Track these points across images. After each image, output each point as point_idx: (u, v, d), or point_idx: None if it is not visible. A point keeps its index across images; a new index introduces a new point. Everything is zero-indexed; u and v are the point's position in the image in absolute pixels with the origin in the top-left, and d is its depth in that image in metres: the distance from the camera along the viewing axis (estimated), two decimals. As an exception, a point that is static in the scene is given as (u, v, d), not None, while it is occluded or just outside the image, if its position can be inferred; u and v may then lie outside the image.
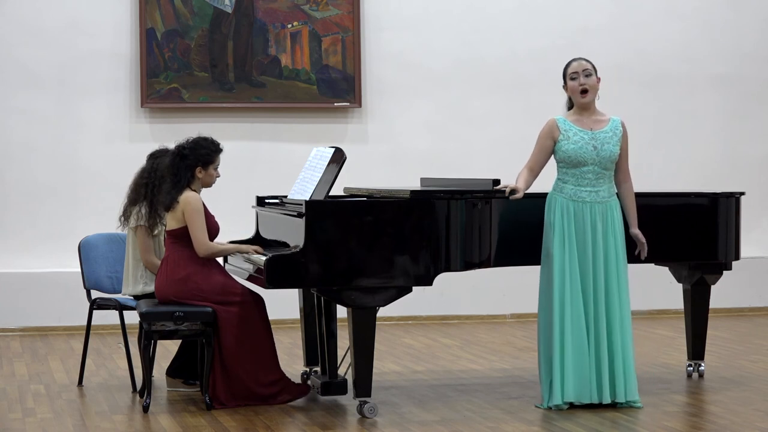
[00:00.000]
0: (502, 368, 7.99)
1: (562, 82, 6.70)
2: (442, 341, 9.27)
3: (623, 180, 6.75)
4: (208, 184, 6.87)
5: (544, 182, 6.78)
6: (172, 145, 7.48)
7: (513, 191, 6.54)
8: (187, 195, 6.74)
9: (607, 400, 6.53)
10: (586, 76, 6.62)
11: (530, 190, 6.69)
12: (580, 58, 6.70)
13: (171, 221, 6.79)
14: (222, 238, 7.16)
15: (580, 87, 6.61)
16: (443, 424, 6.30)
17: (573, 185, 6.60)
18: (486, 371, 7.92)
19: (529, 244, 6.75)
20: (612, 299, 6.58)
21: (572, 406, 6.52)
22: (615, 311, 6.58)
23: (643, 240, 6.81)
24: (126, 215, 7.25)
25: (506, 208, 6.66)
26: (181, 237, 6.75)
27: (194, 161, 6.78)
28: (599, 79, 6.67)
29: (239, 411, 6.57)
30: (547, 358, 6.57)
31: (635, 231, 6.79)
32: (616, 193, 6.72)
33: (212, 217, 6.88)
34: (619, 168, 6.71)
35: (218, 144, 6.86)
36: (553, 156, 6.67)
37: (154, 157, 7.30)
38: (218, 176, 6.89)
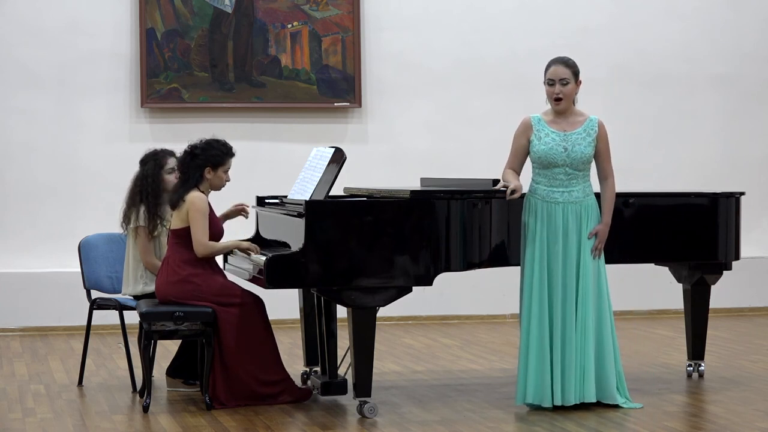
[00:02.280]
0: (502, 368, 7.99)
1: (544, 78, 6.65)
2: (442, 341, 9.27)
3: (603, 177, 6.66)
4: (217, 187, 6.86)
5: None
6: (161, 146, 7.52)
7: (512, 191, 6.52)
8: (194, 194, 6.74)
9: (570, 401, 6.48)
10: (563, 84, 6.55)
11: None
12: (559, 62, 6.60)
13: (176, 220, 6.80)
14: (222, 238, 7.16)
15: (554, 95, 6.58)
16: (443, 424, 6.30)
17: (545, 186, 6.58)
18: (486, 371, 7.92)
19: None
20: (586, 299, 6.51)
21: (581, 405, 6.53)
22: (588, 311, 6.51)
23: (602, 237, 6.58)
24: (126, 217, 7.26)
25: (506, 208, 6.66)
26: (184, 237, 6.75)
27: (204, 161, 6.78)
28: (580, 82, 6.61)
29: (239, 411, 6.57)
30: (525, 360, 6.57)
31: (600, 226, 6.59)
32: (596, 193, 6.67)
33: (218, 220, 6.89)
34: (599, 166, 6.64)
35: (230, 147, 6.86)
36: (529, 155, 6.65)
37: (143, 162, 7.33)
38: (228, 180, 6.88)
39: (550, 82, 6.59)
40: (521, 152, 6.64)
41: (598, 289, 6.55)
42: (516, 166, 6.64)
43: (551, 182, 6.56)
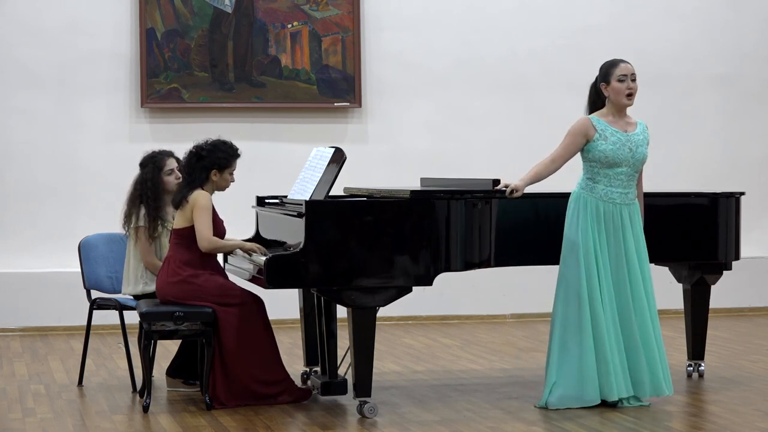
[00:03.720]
0: (502, 368, 7.99)
1: (601, 80, 6.62)
2: (442, 341, 9.27)
3: (638, 182, 6.77)
4: (222, 188, 6.87)
5: (542, 184, 6.75)
6: (160, 147, 7.53)
7: (512, 191, 6.53)
8: (197, 193, 6.74)
9: (645, 394, 6.60)
10: (633, 80, 6.61)
11: (530, 190, 6.68)
12: (627, 61, 6.67)
13: (179, 219, 6.80)
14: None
15: (627, 90, 6.60)
16: (443, 424, 6.30)
17: (605, 185, 6.60)
18: (486, 371, 7.92)
19: (530, 244, 6.77)
20: (645, 298, 6.61)
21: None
22: (646, 309, 6.60)
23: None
24: (127, 218, 7.26)
25: (506, 208, 6.66)
26: (186, 236, 6.75)
27: (210, 164, 6.78)
28: None
29: (239, 411, 6.57)
30: (561, 361, 6.56)
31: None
32: None
33: (220, 220, 6.89)
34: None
35: (236, 149, 6.86)
36: (580, 154, 6.64)
37: (143, 165, 7.35)
38: (233, 181, 6.89)
39: (621, 78, 6.59)
40: (574, 149, 6.62)
41: (650, 286, 6.66)
42: (560, 159, 6.61)
43: (612, 182, 6.59)
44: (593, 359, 6.51)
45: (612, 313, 6.56)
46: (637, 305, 6.60)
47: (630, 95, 6.61)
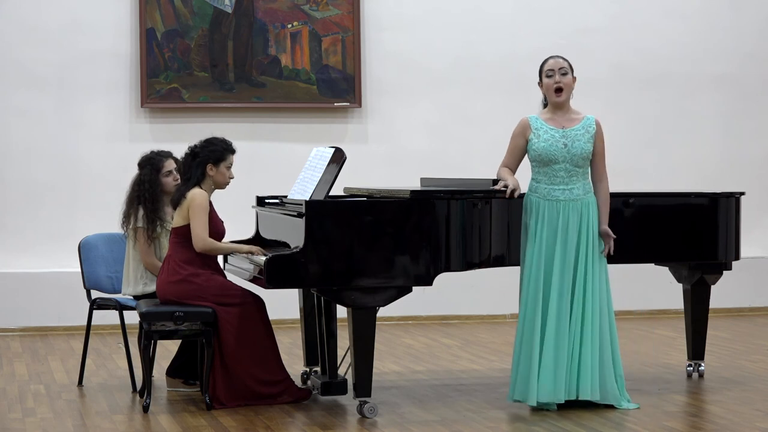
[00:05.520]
0: (502, 368, 7.99)
1: (538, 79, 6.66)
2: (442, 341, 9.27)
3: (598, 180, 6.66)
4: (221, 185, 6.86)
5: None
6: (160, 147, 7.53)
7: (512, 190, 6.52)
8: (194, 191, 6.75)
9: (572, 396, 6.49)
10: (562, 74, 6.57)
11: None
12: (557, 56, 6.66)
13: (177, 218, 6.80)
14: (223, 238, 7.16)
15: (555, 85, 6.57)
16: (443, 424, 6.30)
17: (546, 184, 6.58)
18: (486, 371, 7.92)
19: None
20: (588, 296, 6.53)
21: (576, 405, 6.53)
22: (592, 308, 6.52)
23: (612, 236, 6.64)
24: (126, 218, 7.26)
25: (506, 208, 6.66)
26: (184, 235, 6.75)
27: (205, 158, 6.79)
28: (575, 78, 6.64)
29: (239, 411, 6.57)
30: (516, 357, 6.57)
31: (605, 228, 6.64)
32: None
33: (219, 220, 6.89)
34: (593, 167, 6.65)
35: (230, 143, 6.88)
36: (527, 155, 6.65)
37: (141, 166, 7.35)
38: (231, 177, 6.88)
39: (548, 74, 6.59)
40: (518, 152, 6.65)
41: (600, 284, 6.56)
42: (512, 165, 6.66)
43: (552, 180, 6.56)
44: (538, 360, 6.47)
45: (560, 313, 6.51)
46: (587, 306, 6.51)
47: (558, 90, 6.57)
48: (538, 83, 6.65)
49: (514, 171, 6.65)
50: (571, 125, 6.59)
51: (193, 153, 6.83)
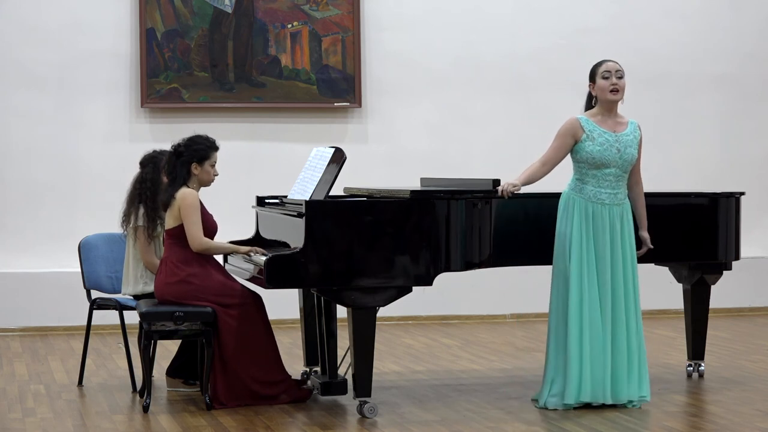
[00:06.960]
0: (502, 368, 7.99)
1: (589, 81, 6.64)
2: (442, 341, 9.27)
3: (635, 183, 6.75)
4: (206, 183, 6.85)
5: (541, 183, 6.75)
6: (160, 147, 7.52)
7: (510, 189, 6.53)
8: (183, 191, 6.74)
9: (622, 400, 6.54)
10: (619, 77, 6.59)
11: (529, 189, 6.69)
12: (612, 60, 6.67)
13: (169, 219, 6.79)
14: (222, 238, 7.16)
15: (611, 86, 6.58)
16: (443, 424, 6.30)
17: (593, 186, 6.59)
18: (486, 371, 7.92)
19: (530, 244, 6.76)
20: (629, 300, 6.59)
21: (586, 406, 6.53)
22: (631, 312, 6.59)
23: (650, 244, 6.82)
24: (126, 217, 7.26)
25: (506, 208, 6.66)
26: (179, 236, 6.74)
27: (189, 157, 6.78)
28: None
29: (239, 411, 6.57)
30: (557, 359, 6.56)
31: (645, 234, 6.81)
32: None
33: (210, 216, 6.87)
34: (632, 171, 6.70)
35: (213, 141, 6.86)
36: (570, 155, 6.64)
37: (143, 165, 7.34)
38: (216, 174, 6.87)
39: (605, 75, 6.58)
40: (563, 151, 6.61)
41: (635, 288, 6.62)
42: (551, 162, 6.61)
43: (600, 183, 6.57)
44: (581, 359, 6.49)
45: (596, 319, 6.53)
46: (618, 308, 6.56)
47: (615, 90, 6.59)
48: (589, 85, 6.64)
49: (551, 168, 6.60)
50: (621, 129, 6.62)
51: (177, 152, 6.80)
